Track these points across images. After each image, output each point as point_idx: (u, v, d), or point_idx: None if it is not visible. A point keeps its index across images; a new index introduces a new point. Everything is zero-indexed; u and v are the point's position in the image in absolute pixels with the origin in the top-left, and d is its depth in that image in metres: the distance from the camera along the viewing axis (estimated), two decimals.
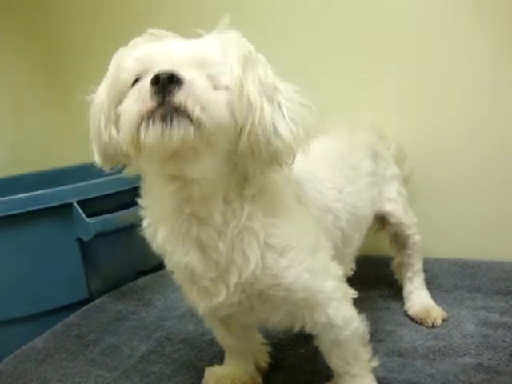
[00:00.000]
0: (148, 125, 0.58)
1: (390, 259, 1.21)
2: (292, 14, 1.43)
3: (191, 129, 0.58)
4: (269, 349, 0.96)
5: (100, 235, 1.24)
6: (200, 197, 0.67)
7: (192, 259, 0.70)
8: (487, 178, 1.30)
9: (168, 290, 1.33)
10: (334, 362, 0.81)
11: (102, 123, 0.68)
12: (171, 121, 0.58)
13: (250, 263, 0.69)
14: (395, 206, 1.12)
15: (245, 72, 0.64)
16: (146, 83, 0.59)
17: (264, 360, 0.95)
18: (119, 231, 1.27)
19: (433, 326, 1.04)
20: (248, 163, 0.67)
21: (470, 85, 1.27)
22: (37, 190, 1.26)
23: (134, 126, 0.59)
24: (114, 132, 0.67)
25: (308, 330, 0.79)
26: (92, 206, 1.27)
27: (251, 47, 0.67)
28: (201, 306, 0.76)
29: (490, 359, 0.90)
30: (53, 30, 1.92)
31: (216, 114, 0.60)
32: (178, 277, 0.78)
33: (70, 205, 1.24)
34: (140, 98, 0.59)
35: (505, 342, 0.95)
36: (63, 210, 1.25)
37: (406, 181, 1.25)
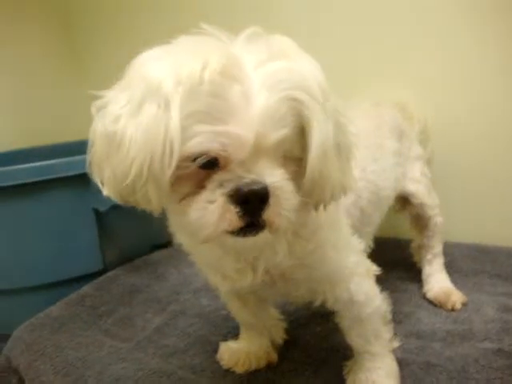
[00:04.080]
0: (235, 237, 0.57)
1: (408, 242, 1.20)
2: None
3: (270, 235, 0.59)
4: (285, 325, 0.95)
5: (116, 206, 1.23)
6: None
7: (224, 259, 0.70)
8: (511, 164, 1.27)
9: (182, 264, 1.32)
10: (354, 339, 0.80)
11: (142, 177, 0.55)
12: (257, 234, 0.58)
13: (278, 255, 0.68)
14: (418, 186, 1.09)
15: (324, 150, 0.58)
16: (229, 195, 0.55)
17: (279, 336, 0.94)
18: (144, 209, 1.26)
19: (452, 309, 1.02)
20: None
21: (499, 66, 1.22)
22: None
23: (215, 235, 0.57)
24: (154, 195, 0.57)
25: (329, 306, 0.77)
26: None
27: (333, 103, 0.60)
28: (224, 287, 0.76)
29: (510, 345, 0.88)
30: (68, 10, 1.91)
31: (293, 214, 0.59)
32: (202, 266, 0.77)
33: (87, 175, 1.22)
34: (226, 217, 0.55)
35: None
36: (80, 180, 1.23)
37: (428, 163, 1.22)
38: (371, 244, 0.95)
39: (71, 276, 1.31)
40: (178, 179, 0.57)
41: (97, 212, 1.28)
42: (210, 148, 0.54)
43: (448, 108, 1.30)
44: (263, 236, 0.58)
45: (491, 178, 1.29)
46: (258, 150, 0.55)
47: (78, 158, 1.25)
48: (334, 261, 0.73)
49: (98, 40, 1.86)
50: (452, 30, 1.25)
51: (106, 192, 0.61)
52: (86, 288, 1.25)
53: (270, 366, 0.90)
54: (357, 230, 0.82)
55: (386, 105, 1.12)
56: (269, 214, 0.56)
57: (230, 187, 0.55)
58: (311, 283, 0.74)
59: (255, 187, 0.55)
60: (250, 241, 0.58)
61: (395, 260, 1.23)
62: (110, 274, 1.32)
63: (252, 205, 0.55)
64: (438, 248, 1.13)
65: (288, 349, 0.93)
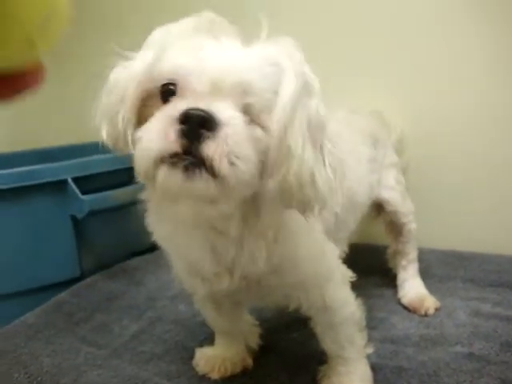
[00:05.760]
0: (167, 168, 0.53)
1: (384, 248, 1.22)
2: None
3: (213, 184, 0.53)
4: (260, 330, 0.96)
5: (94, 213, 1.23)
6: (218, 215, 0.63)
7: (203, 259, 0.69)
8: (485, 171, 1.30)
9: (160, 271, 1.32)
10: (328, 345, 0.81)
11: (121, 115, 0.60)
12: (193, 173, 0.53)
13: (258, 263, 0.68)
14: (393, 193, 1.11)
15: (293, 114, 0.56)
16: (173, 115, 0.53)
17: (255, 342, 0.94)
18: (113, 210, 1.26)
19: (425, 314, 1.04)
20: (270, 203, 0.62)
21: (474, 72, 1.26)
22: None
23: (152, 162, 0.54)
24: (129, 136, 0.60)
25: (303, 311, 0.78)
26: (87, 184, 1.26)
27: (310, 76, 0.60)
28: (201, 290, 0.76)
29: (480, 349, 0.90)
30: None
31: (245, 170, 0.54)
32: (180, 268, 0.76)
33: (65, 181, 1.23)
34: (163, 134, 0.53)
35: (496, 332, 0.95)
36: (58, 187, 1.24)
37: (404, 170, 1.24)
38: (346, 249, 0.97)
39: (48, 283, 1.29)
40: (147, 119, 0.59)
41: (74, 219, 1.28)
42: (172, 72, 0.58)
43: (425, 114, 1.33)
44: (205, 184, 0.53)
45: (466, 185, 1.32)
46: (217, 89, 0.55)
47: (56, 164, 1.26)
48: (307, 267, 0.73)
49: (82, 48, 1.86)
50: (434, 39, 1.28)
51: (105, 138, 0.64)
52: (63, 295, 1.24)
53: (245, 372, 0.90)
54: (331, 235, 0.83)
55: (362, 113, 1.14)
56: (211, 148, 0.52)
57: (176, 108, 0.53)
58: (285, 289, 0.75)
59: (198, 112, 0.52)
60: (186, 184, 0.53)
61: (371, 266, 1.25)
62: (87, 280, 1.31)
63: (194, 130, 0.52)
64: (412, 254, 1.15)
65: (263, 355, 0.94)
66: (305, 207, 0.60)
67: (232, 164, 0.53)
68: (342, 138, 0.95)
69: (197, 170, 0.53)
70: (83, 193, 1.23)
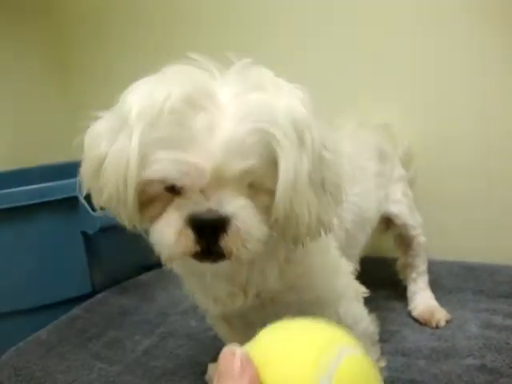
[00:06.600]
0: (194, 261, 0.59)
1: (394, 260, 1.22)
2: (300, 13, 1.44)
3: (234, 262, 0.59)
4: None
5: (105, 229, 1.24)
6: None
7: (215, 280, 0.70)
8: (493, 182, 1.30)
9: (171, 286, 1.33)
10: None
11: (123, 215, 0.62)
12: (217, 262, 0.58)
13: (269, 279, 0.69)
14: (400, 207, 1.12)
15: (295, 185, 0.56)
16: (183, 219, 0.56)
17: None
18: (124, 226, 1.27)
19: (436, 327, 1.04)
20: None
21: (480, 88, 1.27)
22: (41, 183, 1.26)
23: (175, 258, 0.59)
24: (124, 216, 0.62)
25: None
26: None
27: (300, 111, 0.58)
28: (214, 310, 0.77)
29: (493, 361, 0.90)
30: (60, 31, 1.93)
31: (257, 245, 0.58)
32: (193, 288, 0.77)
33: (76, 198, 1.24)
34: (179, 240, 0.56)
35: (508, 344, 0.95)
36: (69, 204, 1.25)
37: (411, 183, 1.25)
38: (358, 267, 0.97)
39: (60, 299, 1.30)
40: (149, 201, 0.60)
41: (85, 235, 1.29)
42: (168, 175, 0.56)
43: (431, 126, 1.34)
44: (225, 264, 0.59)
45: (475, 196, 1.32)
46: (219, 179, 0.55)
47: (66, 181, 1.27)
48: (322, 284, 0.74)
49: (86, 66, 1.89)
50: (444, 53, 1.29)
51: (93, 201, 0.66)
52: (75, 311, 1.25)
53: None
54: (343, 251, 0.84)
55: (369, 126, 1.15)
56: (226, 243, 0.56)
57: (186, 212, 0.56)
58: (300, 307, 0.75)
59: (209, 216, 0.55)
60: (212, 267, 0.60)
61: (382, 278, 1.25)
62: (99, 296, 1.32)
63: (208, 232, 0.55)
64: (422, 267, 1.15)
65: None
66: (313, 237, 0.63)
67: (245, 247, 0.57)
68: (350, 155, 0.97)
69: (219, 260, 0.58)
70: (94, 209, 1.25)
